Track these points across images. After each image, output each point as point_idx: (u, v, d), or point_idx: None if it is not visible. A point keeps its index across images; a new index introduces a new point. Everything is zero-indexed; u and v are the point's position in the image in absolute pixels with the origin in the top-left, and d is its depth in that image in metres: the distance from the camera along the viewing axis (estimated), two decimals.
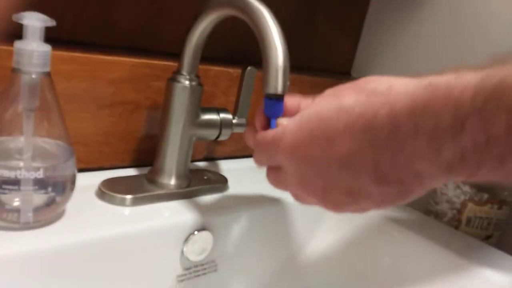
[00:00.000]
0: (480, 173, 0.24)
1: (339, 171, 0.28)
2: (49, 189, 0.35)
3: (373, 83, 0.28)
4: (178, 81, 0.44)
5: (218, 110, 0.48)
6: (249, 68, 0.48)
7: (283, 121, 0.34)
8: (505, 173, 0.23)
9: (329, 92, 0.31)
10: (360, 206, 0.30)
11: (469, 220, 0.54)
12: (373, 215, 0.53)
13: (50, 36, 0.34)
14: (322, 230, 0.55)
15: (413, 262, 0.48)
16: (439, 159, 0.24)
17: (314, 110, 0.30)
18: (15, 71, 0.33)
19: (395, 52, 0.70)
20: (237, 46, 0.57)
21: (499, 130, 0.22)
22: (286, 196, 0.51)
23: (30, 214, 0.35)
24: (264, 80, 0.36)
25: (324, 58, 0.69)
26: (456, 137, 0.23)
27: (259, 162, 0.35)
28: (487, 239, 0.54)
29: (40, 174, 0.34)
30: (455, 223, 0.54)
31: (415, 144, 0.25)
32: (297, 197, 0.35)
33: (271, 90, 0.35)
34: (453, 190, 0.54)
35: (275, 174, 0.34)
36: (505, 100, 0.22)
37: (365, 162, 0.27)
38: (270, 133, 0.33)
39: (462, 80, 0.23)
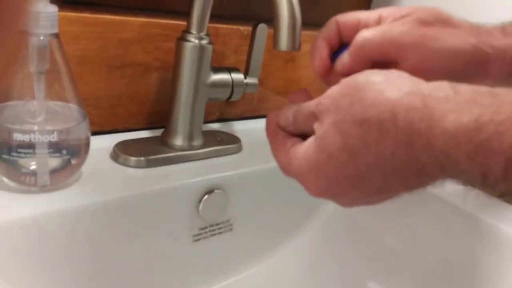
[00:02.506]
0: None
1: (368, 199, 0.29)
2: (64, 152, 0.36)
3: (372, 111, 0.25)
4: (188, 40, 0.43)
5: (229, 70, 0.48)
6: (260, 25, 0.47)
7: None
8: None
9: (326, 110, 0.27)
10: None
11: None
12: None
13: None
14: None
15: (428, 220, 0.48)
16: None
17: (327, 156, 0.27)
18: (22, 33, 0.33)
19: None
20: (248, 3, 0.55)
21: None
22: None
23: (47, 177, 0.35)
24: (275, 37, 0.35)
25: (337, 12, 0.67)
26: (486, 187, 0.22)
27: None
28: (503, 196, 0.54)
29: (54, 137, 0.34)
30: None
31: (443, 177, 0.24)
32: None
33: (283, 47, 0.34)
34: None
35: None
36: None
37: (395, 189, 0.26)
38: (286, 162, 0.30)
39: (490, 144, 0.20)
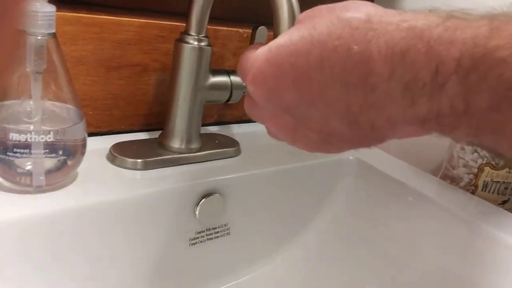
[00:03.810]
0: (454, 135, 0.23)
1: (308, 110, 0.27)
2: (60, 152, 0.35)
3: (350, 12, 0.25)
4: (186, 42, 0.42)
5: (228, 72, 0.47)
6: (260, 27, 0.47)
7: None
8: (480, 143, 0.23)
9: (305, 15, 0.28)
10: (333, 146, 0.29)
11: (485, 185, 0.53)
12: (387, 179, 0.52)
13: None
14: (336, 192, 0.55)
15: (428, 227, 0.48)
16: (412, 110, 0.23)
17: (285, 40, 0.27)
18: (20, 33, 0.32)
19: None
20: (248, 4, 0.55)
21: (480, 104, 0.21)
22: (298, 159, 0.51)
23: (42, 178, 0.35)
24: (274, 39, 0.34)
25: None
26: (434, 96, 0.22)
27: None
28: (503, 203, 0.53)
29: (50, 138, 0.34)
30: (472, 188, 0.53)
31: (388, 88, 0.23)
32: (269, 132, 0.32)
33: None
34: (471, 154, 0.53)
35: (250, 103, 0.31)
36: (491, 76, 0.20)
37: (336, 100, 0.26)
38: (245, 59, 0.30)
39: (449, 35, 0.21)
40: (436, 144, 0.60)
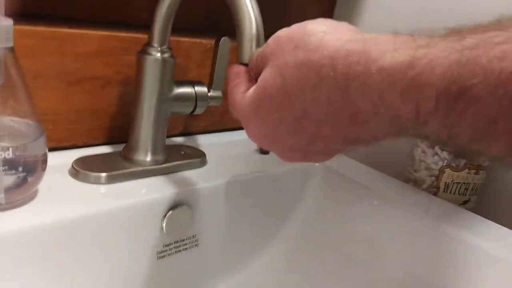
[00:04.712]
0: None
1: (306, 143, 0.29)
2: (20, 169, 0.34)
3: (316, 54, 0.25)
4: (149, 54, 0.42)
5: (192, 83, 0.47)
6: (223, 38, 0.47)
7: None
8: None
9: (273, 47, 0.29)
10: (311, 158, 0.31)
11: (447, 186, 0.55)
12: (352, 184, 0.53)
13: (12, 11, 0.32)
14: (304, 200, 0.56)
15: (392, 229, 0.49)
16: (399, 135, 0.24)
17: (263, 90, 0.28)
18: None
19: (372, 20, 0.69)
20: (210, 15, 0.55)
21: (463, 137, 0.21)
22: (264, 168, 0.52)
23: (2, 196, 0.34)
24: (238, 50, 0.35)
25: None
26: (419, 127, 0.22)
27: None
28: (464, 204, 0.55)
29: (9, 154, 0.33)
30: (434, 190, 0.55)
31: (376, 122, 0.24)
32: None
33: (245, 60, 0.34)
34: (432, 157, 0.55)
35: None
36: (468, 114, 0.20)
37: (331, 135, 0.27)
38: (235, 102, 0.32)
39: (421, 78, 0.21)
40: (398, 148, 0.61)
